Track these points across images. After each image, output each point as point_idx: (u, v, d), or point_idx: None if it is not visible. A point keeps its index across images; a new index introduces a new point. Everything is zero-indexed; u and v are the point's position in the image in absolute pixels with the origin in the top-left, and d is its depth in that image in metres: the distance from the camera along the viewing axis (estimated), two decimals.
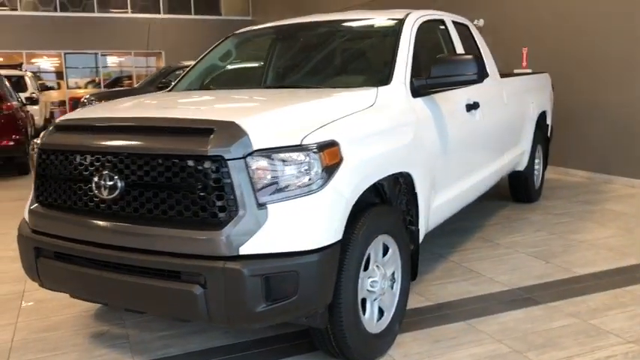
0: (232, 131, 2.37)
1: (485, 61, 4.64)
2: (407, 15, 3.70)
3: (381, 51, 3.56)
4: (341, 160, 2.48)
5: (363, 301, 2.77)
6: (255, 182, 2.33)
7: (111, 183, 2.50)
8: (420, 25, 3.71)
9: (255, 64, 4.26)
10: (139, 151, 2.47)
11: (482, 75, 3.45)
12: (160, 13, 21.52)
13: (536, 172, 6.10)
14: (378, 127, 2.85)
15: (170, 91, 4.03)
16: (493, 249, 4.61)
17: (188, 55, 19.76)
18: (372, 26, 3.98)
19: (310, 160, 2.37)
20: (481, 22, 9.09)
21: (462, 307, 3.51)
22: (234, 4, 22.37)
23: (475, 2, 8.83)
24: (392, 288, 3.02)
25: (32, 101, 12.61)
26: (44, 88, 16.44)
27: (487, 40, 4.91)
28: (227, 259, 2.30)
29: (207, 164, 2.33)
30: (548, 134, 6.47)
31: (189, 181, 2.36)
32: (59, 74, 21.49)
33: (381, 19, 3.89)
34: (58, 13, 20.07)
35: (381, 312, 2.92)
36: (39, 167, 2.82)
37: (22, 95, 13.33)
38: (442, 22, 4.14)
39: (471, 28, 4.66)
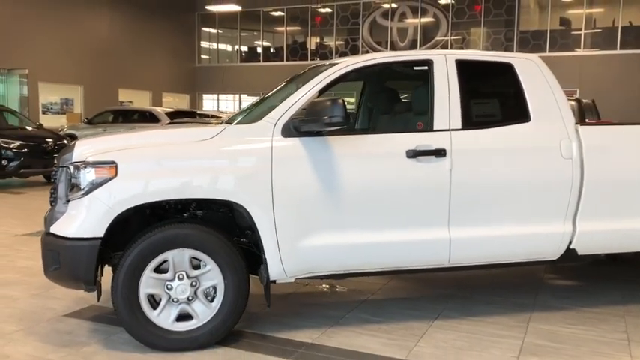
0: (70, 146, 3.50)
1: (528, 103, 3.87)
2: (342, 61, 3.74)
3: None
4: (114, 176, 3.24)
5: (155, 296, 3.36)
6: (68, 184, 3.39)
7: None
8: (352, 70, 3.67)
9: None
10: None
11: (347, 118, 3.27)
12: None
13: None
14: (191, 156, 3.35)
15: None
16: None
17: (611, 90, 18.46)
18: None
19: (83, 173, 3.27)
20: None
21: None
22: None
23: None
24: (210, 301, 3.42)
25: None
26: None
27: None
28: (46, 234, 3.45)
29: (59, 169, 3.53)
30: None
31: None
32: None
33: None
34: None
35: (189, 317, 3.41)
36: None
37: None
38: (425, 63, 3.81)
39: (516, 68, 3.91)
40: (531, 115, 3.87)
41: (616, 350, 3.48)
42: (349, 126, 4.78)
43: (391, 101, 4.34)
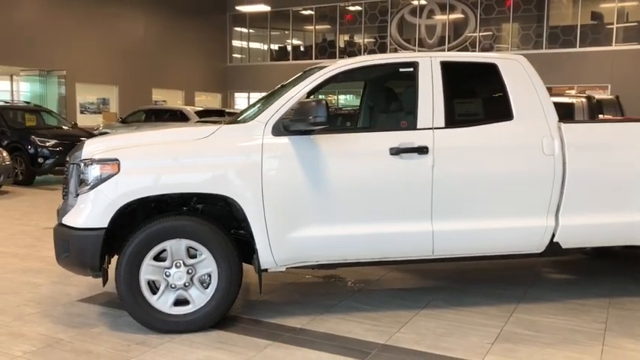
0: (80, 145, 3.83)
1: (511, 102, 4.02)
2: (331, 64, 3.96)
3: None
4: (117, 172, 3.55)
5: (154, 282, 3.66)
6: (78, 180, 3.72)
7: None
8: (339, 73, 3.89)
9: None
10: None
11: (329, 118, 3.50)
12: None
13: None
14: (187, 154, 3.63)
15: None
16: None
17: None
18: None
19: (89, 170, 3.59)
20: None
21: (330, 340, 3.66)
22: None
23: None
24: (205, 287, 3.70)
25: None
26: None
27: None
28: (58, 225, 3.79)
29: (70, 165, 3.86)
30: None
31: None
32: None
33: None
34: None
35: (186, 302, 3.70)
36: None
37: None
38: (411, 65, 4.00)
39: (500, 68, 4.06)
40: (514, 114, 4.02)
41: (590, 339, 3.62)
42: (352, 124, 4.98)
43: (382, 101, 4.55)
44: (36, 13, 18.92)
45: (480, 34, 22.07)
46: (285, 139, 3.74)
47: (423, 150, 3.82)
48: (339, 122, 10.24)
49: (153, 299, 3.67)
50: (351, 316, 4.03)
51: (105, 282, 3.79)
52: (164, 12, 23.60)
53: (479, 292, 4.56)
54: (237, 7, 25.26)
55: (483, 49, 21.96)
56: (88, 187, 3.59)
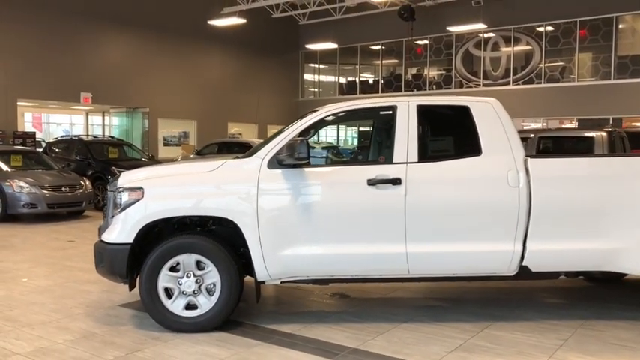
0: (118, 176, 4.74)
1: (480, 140, 4.54)
2: (322, 108, 4.66)
3: None
4: (141, 197, 4.40)
5: (170, 289, 4.44)
6: (115, 204, 4.61)
7: None
8: (328, 115, 4.59)
9: None
10: None
11: (309, 154, 4.19)
12: None
13: None
14: (197, 183, 4.43)
15: None
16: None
17: None
18: None
19: (121, 196, 4.46)
20: None
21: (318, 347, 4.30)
22: None
23: None
24: (210, 295, 4.45)
25: None
26: None
27: None
28: (99, 241, 4.68)
29: (109, 192, 4.78)
30: None
31: None
32: None
33: None
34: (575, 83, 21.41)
35: (195, 307, 4.45)
36: None
37: None
38: (390, 108, 4.63)
39: (472, 110, 4.59)
40: (483, 150, 4.53)
41: (540, 352, 4.02)
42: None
43: (367, 138, 5.19)
44: (123, 59, 20.96)
45: (546, 65, 21.98)
46: (277, 172, 4.46)
47: (396, 181, 4.41)
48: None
49: (168, 303, 4.45)
50: (339, 326, 4.63)
51: (131, 288, 4.63)
52: (239, 52, 25.23)
53: (465, 311, 5.01)
54: (307, 46, 26.54)
55: (550, 80, 21.83)
56: (120, 210, 4.47)
